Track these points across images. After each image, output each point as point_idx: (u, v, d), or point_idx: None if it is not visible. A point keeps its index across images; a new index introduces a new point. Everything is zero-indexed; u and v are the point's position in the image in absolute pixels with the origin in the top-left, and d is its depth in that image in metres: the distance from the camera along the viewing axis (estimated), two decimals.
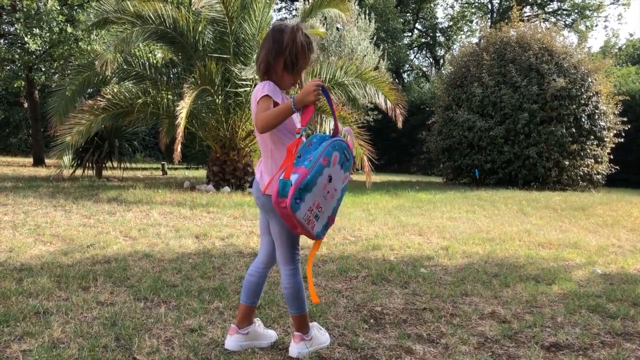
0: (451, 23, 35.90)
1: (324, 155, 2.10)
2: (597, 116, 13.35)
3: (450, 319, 2.92)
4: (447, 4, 41.14)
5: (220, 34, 9.32)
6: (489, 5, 34.74)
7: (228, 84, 9.29)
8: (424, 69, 37.49)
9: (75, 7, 14.23)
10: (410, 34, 35.54)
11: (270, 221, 2.33)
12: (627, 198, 11.23)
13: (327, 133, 2.49)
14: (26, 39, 12.49)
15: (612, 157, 13.91)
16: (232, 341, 2.37)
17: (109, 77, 9.44)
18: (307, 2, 12.45)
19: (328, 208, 2.17)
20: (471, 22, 35.81)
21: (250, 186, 8.90)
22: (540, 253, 4.82)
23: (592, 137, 13.30)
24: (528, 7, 31.70)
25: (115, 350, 2.32)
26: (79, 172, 11.15)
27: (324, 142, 2.13)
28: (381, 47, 16.99)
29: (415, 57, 37.73)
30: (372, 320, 2.85)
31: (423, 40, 36.74)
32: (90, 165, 11.15)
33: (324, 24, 13.85)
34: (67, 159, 8.66)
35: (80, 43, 13.48)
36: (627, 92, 15.24)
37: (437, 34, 35.86)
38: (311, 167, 2.07)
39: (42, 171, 12.47)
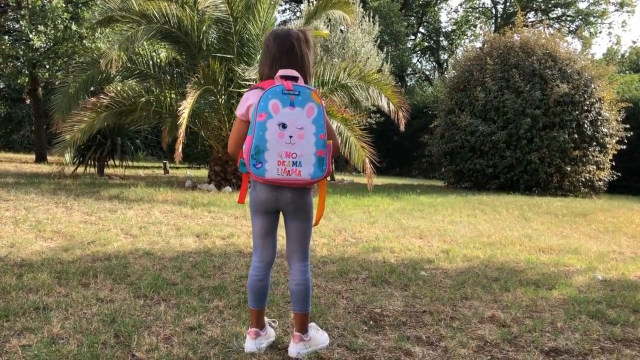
0: (455, 27, 35.91)
1: (258, 112, 2.10)
2: (599, 123, 13.33)
3: (450, 322, 2.91)
4: (451, 8, 41.28)
5: (225, 33, 9.33)
6: (493, 11, 34.77)
7: (231, 84, 9.29)
8: (427, 72, 37.52)
9: (80, 5, 14.25)
10: (414, 37, 35.55)
11: (296, 219, 2.33)
12: (628, 205, 11.21)
13: None
14: (31, 36, 12.50)
15: (614, 163, 13.89)
16: (254, 344, 2.37)
17: (112, 75, 9.43)
18: (311, 4, 12.45)
19: (306, 148, 2.12)
20: (475, 26, 35.82)
21: None
22: (540, 258, 4.81)
23: (595, 143, 13.28)
24: (532, 12, 31.71)
25: (114, 347, 2.32)
26: (80, 169, 11.16)
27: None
28: (385, 50, 16.96)
29: (418, 60, 37.78)
30: (371, 322, 2.85)
31: (427, 44, 36.75)
32: (92, 162, 11.15)
33: (328, 25, 13.84)
34: (69, 156, 8.68)
35: (84, 41, 13.49)
36: (630, 99, 15.21)
37: (441, 38, 35.87)
38: (252, 132, 2.10)
39: (44, 168, 12.48)
